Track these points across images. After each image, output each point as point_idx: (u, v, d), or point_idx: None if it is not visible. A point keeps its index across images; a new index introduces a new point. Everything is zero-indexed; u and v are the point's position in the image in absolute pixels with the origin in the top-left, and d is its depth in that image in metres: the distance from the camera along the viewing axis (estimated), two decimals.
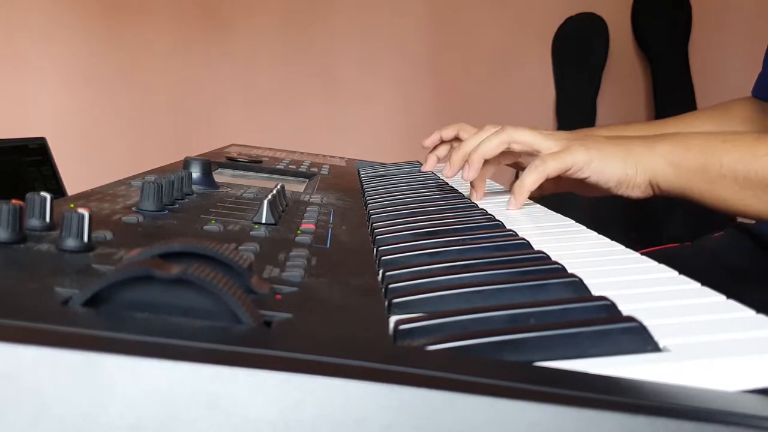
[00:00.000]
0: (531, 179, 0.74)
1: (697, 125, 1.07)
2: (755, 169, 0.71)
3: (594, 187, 0.77)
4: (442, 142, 1.15)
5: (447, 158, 1.15)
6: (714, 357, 0.31)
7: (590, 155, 0.74)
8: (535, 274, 0.43)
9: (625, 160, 0.75)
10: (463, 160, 0.81)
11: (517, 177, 0.84)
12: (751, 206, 0.73)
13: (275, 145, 1.44)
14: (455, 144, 1.13)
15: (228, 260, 0.34)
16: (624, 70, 2.34)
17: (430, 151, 1.15)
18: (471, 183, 0.82)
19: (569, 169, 0.74)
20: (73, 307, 0.29)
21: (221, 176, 0.86)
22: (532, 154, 0.78)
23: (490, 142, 0.78)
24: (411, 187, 0.91)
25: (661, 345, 0.32)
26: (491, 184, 0.97)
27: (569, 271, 0.43)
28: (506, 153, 0.81)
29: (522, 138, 0.78)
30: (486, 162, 0.80)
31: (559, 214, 0.73)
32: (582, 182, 0.77)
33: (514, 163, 0.91)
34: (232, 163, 1.00)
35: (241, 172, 0.96)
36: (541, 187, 0.82)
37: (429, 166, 1.11)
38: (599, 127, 1.13)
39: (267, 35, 2.18)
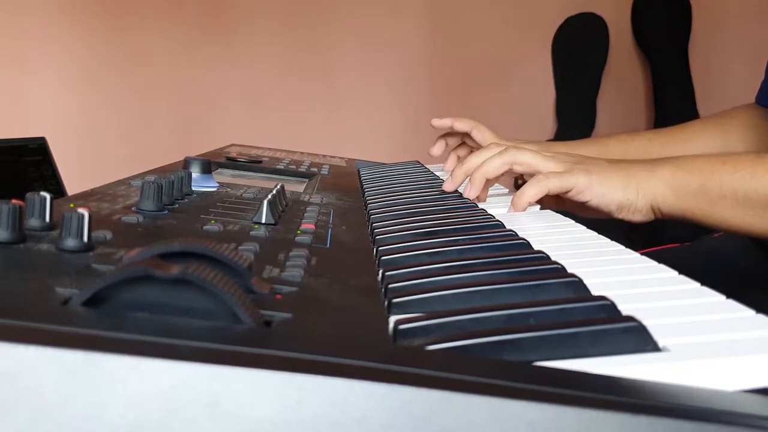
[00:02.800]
0: (532, 192, 0.74)
1: (703, 133, 1.07)
2: (755, 188, 0.71)
3: (595, 210, 0.78)
4: (445, 135, 1.15)
5: (447, 153, 1.16)
6: (714, 357, 0.31)
7: (591, 179, 0.75)
8: (534, 274, 0.43)
9: (626, 184, 0.76)
10: (465, 176, 0.81)
11: (516, 184, 0.84)
12: (754, 225, 0.73)
13: (275, 145, 1.44)
14: (467, 140, 1.13)
15: (228, 260, 0.34)
16: (624, 70, 2.34)
17: (439, 137, 1.15)
18: (471, 177, 0.82)
19: (570, 191, 0.75)
20: (73, 307, 0.29)
21: (221, 176, 0.86)
22: (534, 176, 0.79)
23: (493, 162, 0.79)
24: (411, 187, 0.91)
25: (660, 345, 0.32)
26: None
27: (569, 271, 0.43)
28: (507, 172, 0.81)
29: (524, 159, 0.79)
30: (487, 180, 0.80)
31: (559, 214, 0.73)
32: (583, 204, 0.78)
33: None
34: (232, 163, 1.00)
35: (241, 172, 0.96)
36: (542, 203, 0.82)
37: (437, 150, 1.11)
38: (605, 137, 1.13)
39: (267, 37, 2.18)
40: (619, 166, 0.78)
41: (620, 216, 0.77)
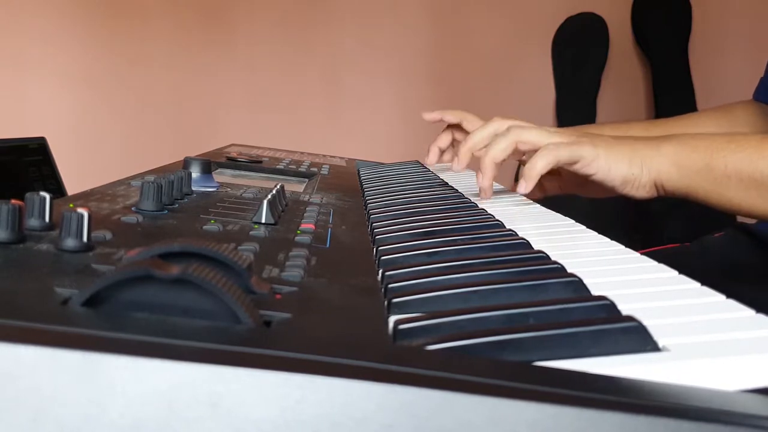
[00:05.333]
0: (542, 163, 0.73)
1: (698, 126, 1.07)
2: (760, 168, 0.71)
3: (598, 186, 0.77)
4: (442, 133, 1.15)
5: (448, 151, 1.16)
6: (714, 357, 0.31)
7: (598, 152, 0.74)
8: (534, 273, 0.43)
9: (631, 159, 0.75)
10: (470, 154, 0.81)
11: (517, 175, 0.84)
12: (757, 206, 0.73)
13: (275, 145, 1.44)
14: (456, 135, 1.14)
15: (228, 260, 0.34)
16: (624, 70, 2.34)
17: (433, 144, 1.15)
18: (481, 165, 0.80)
19: (577, 162, 0.74)
20: (72, 307, 0.29)
21: (221, 176, 0.86)
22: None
23: (499, 145, 0.78)
24: (411, 187, 0.91)
25: (660, 345, 0.32)
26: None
27: (569, 270, 0.43)
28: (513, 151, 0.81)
29: (529, 137, 0.78)
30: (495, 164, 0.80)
31: (558, 214, 0.73)
32: (586, 181, 0.77)
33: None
34: (232, 163, 1.00)
35: (241, 172, 0.96)
36: (544, 188, 0.81)
37: (432, 158, 1.11)
38: (603, 125, 1.12)
39: (267, 37, 2.18)
40: (624, 140, 0.77)
41: (624, 191, 0.76)
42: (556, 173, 0.86)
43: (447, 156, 1.16)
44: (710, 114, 1.10)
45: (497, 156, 0.78)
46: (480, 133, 0.81)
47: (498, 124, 0.81)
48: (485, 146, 0.81)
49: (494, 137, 0.79)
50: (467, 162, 0.82)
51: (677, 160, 0.74)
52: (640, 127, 1.08)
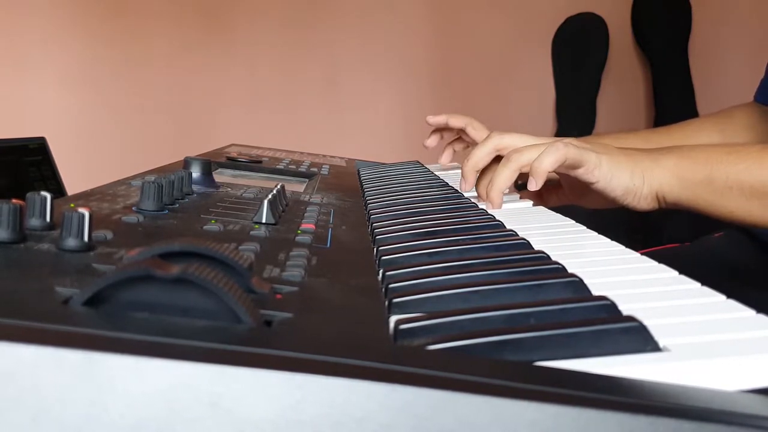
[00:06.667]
0: (550, 160, 0.72)
1: (700, 132, 1.06)
2: (761, 179, 0.71)
3: (599, 195, 0.76)
4: (441, 130, 1.16)
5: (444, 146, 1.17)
6: (714, 357, 0.31)
7: (601, 159, 0.74)
8: (535, 273, 0.43)
9: (633, 170, 0.74)
10: (475, 172, 0.83)
11: (517, 185, 0.84)
12: (759, 217, 0.72)
13: (275, 145, 1.44)
14: (463, 136, 1.14)
15: (228, 260, 0.34)
16: (624, 70, 2.34)
17: (434, 131, 1.16)
18: (489, 197, 0.77)
19: (581, 167, 0.73)
20: (73, 307, 0.29)
21: (221, 176, 0.86)
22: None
23: (480, 152, 0.80)
24: (411, 187, 0.91)
25: (661, 345, 0.32)
26: None
27: (569, 271, 0.43)
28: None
29: (509, 142, 0.80)
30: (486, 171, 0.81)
31: (559, 215, 0.73)
32: (586, 191, 0.77)
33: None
34: (232, 163, 1.00)
35: (241, 172, 0.96)
36: (543, 198, 0.81)
37: (431, 142, 1.13)
38: (601, 136, 1.12)
39: (267, 36, 2.18)
40: (625, 151, 0.77)
41: (625, 203, 0.76)
42: (556, 185, 0.87)
43: (444, 158, 1.17)
44: (711, 119, 1.10)
45: (478, 164, 0.80)
46: (481, 150, 0.81)
47: (497, 139, 0.81)
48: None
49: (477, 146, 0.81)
50: (474, 180, 0.82)
51: (678, 172, 0.74)
52: (641, 138, 1.08)
